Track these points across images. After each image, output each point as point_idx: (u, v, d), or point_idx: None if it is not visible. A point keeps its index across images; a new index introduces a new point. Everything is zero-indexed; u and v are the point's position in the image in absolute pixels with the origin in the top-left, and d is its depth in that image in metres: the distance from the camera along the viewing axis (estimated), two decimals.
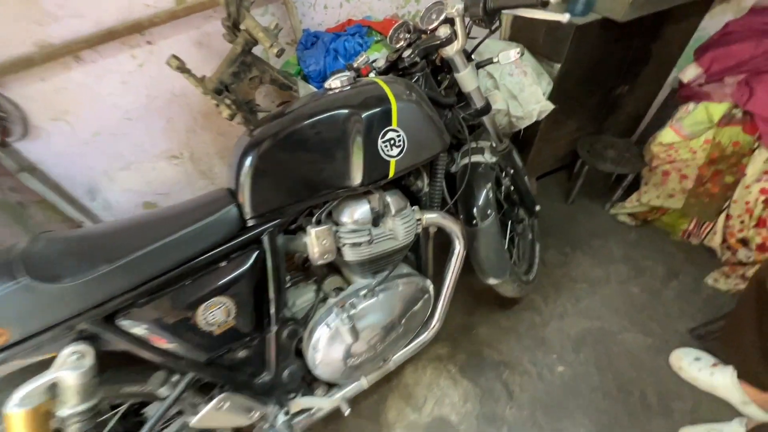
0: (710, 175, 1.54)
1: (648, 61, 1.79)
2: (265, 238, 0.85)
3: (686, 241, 1.76)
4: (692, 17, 1.72)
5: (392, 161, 0.87)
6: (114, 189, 1.31)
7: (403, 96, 0.88)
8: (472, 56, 1.10)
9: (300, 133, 0.81)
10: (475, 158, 1.25)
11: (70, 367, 0.65)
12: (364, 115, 0.82)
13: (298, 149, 0.81)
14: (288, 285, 0.98)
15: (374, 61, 1.11)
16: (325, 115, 0.82)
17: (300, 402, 0.96)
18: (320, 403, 0.97)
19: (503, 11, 0.86)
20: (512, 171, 1.28)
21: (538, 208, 1.47)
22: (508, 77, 1.37)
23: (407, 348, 1.15)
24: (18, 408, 0.62)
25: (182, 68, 1.02)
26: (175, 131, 1.30)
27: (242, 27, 1.01)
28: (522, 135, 1.78)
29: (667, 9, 1.45)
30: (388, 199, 0.95)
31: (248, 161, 0.79)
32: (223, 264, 0.80)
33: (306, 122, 0.81)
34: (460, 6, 0.89)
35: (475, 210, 1.21)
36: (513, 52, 1.02)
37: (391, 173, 0.88)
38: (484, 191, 1.22)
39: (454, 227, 1.08)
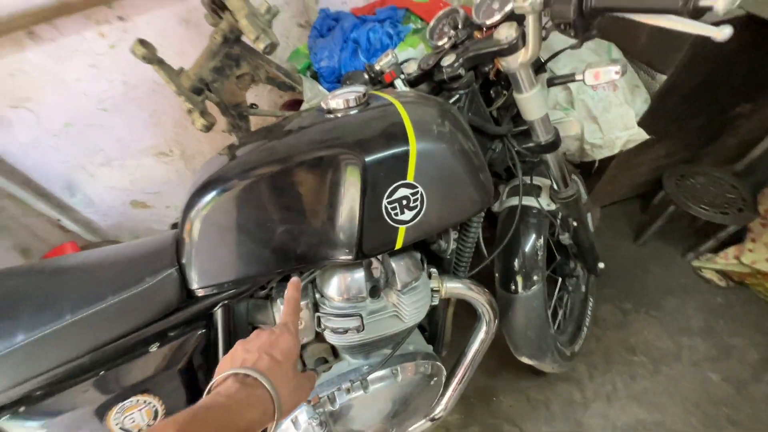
0: None
1: None
2: (218, 313, 0.62)
3: None
4: None
5: (402, 228, 0.59)
6: (95, 185, 1.14)
7: (432, 132, 0.59)
8: (546, 68, 0.77)
9: (270, 182, 0.56)
10: (528, 201, 0.94)
11: None
12: (366, 161, 0.55)
13: (266, 202, 0.57)
14: None
15: (405, 62, 0.81)
16: (307, 157, 0.55)
17: None
18: None
19: (612, 14, 0.52)
20: (575, 224, 0.95)
21: (601, 265, 1.13)
22: (590, 91, 1.01)
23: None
24: None
25: (150, 58, 0.78)
26: (161, 125, 1.08)
27: (228, 7, 0.74)
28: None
29: None
30: (394, 267, 0.68)
31: (196, 212, 0.56)
32: (153, 348, 0.58)
33: (278, 167, 0.55)
34: None
35: (516, 272, 0.92)
36: (612, 70, 0.67)
37: (399, 244, 0.61)
38: (534, 248, 0.91)
39: (482, 300, 0.80)
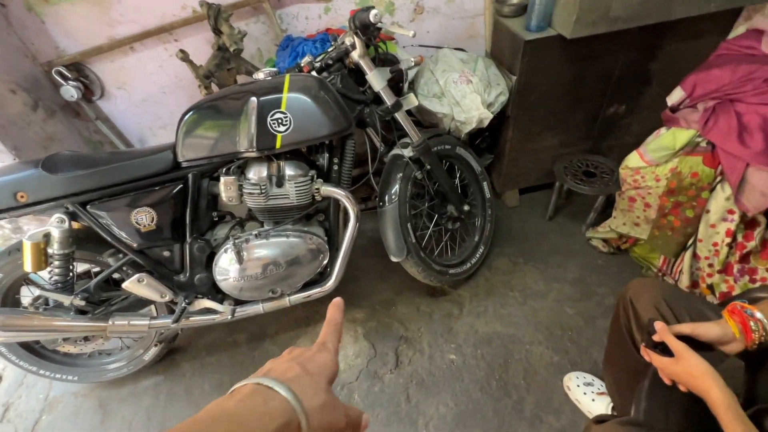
0: (671, 206, 1.42)
1: (649, 81, 1.69)
2: (189, 177, 1.23)
3: (660, 279, 1.62)
4: (706, 35, 1.57)
5: (279, 135, 1.16)
6: (156, 141, 1.86)
7: (300, 88, 1.16)
8: (401, 63, 1.30)
9: (215, 106, 1.17)
10: (396, 150, 1.45)
11: (56, 226, 1.12)
12: (260, 99, 1.14)
13: (212, 117, 1.17)
14: (215, 218, 1.36)
15: (319, 61, 1.41)
16: (233, 94, 1.16)
17: (202, 302, 1.32)
18: (214, 306, 1.32)
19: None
20: (428, 167, 1.44)
21: (466, 208, 1.57)
22: (453, 84, 1.52)
23: (302, 293, 1.41)
24: (27, 241, 1.11)
25: (185, 59, 1.47)
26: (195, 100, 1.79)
27: (221, 30, 1.41)
28: (488, 142, 1.85)
29: (668, 25, 1.41)
30: (285, 166, 1.24)
31: (181, 121, 1.18)
32: (157, 188, 1.20)
33: (220, 98, 1.17)
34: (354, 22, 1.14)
35: (384, 193, 1.42)
36: (412, 59, 1.22)
37: (278, 144, 1.17)
38: (395, 180, 1.42)
39: (347, 202, 1.31)
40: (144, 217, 1.19)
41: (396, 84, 1.37)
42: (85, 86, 1.61)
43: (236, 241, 1.25)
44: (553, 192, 1.88)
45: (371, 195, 2.03)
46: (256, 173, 1.23)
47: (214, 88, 1.55)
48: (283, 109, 1.14)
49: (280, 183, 1.25)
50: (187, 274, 1.31)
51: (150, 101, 1.74)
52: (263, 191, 1.21)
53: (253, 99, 1.13)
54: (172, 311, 1.36)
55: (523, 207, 2.08)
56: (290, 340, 1.63)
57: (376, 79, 1.26)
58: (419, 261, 1.47)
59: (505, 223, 1.98)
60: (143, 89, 1.70)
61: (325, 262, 1.38)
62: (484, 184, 1.75)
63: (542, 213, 2.02)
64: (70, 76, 1.54)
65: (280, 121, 1.14)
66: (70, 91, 1.53)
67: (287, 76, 1.20)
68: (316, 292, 1.43)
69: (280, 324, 1.67)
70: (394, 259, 1.45)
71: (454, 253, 1.72)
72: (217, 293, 1.37)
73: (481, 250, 1.73)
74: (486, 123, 1.55)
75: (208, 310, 1.36)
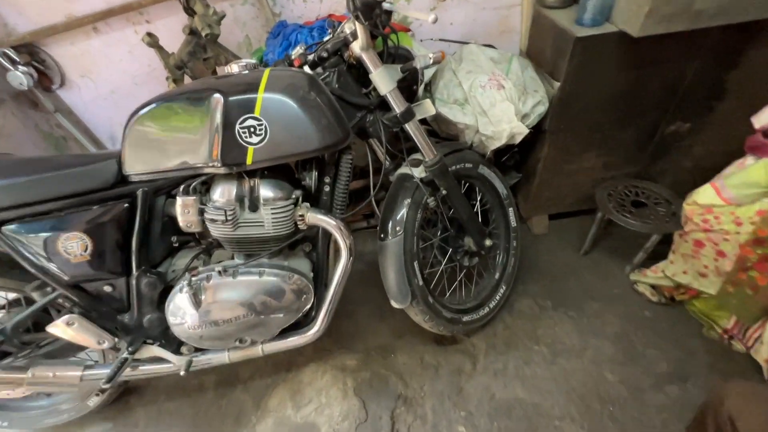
0: (756, 259, 1.10)
1: (723, 95, 1.36)
2: (138, 195, 0.96)
3: (725, 343, 1.30)
4: None
5: (250, 148, 0.88)
6: None
7: (280, 88, 0.88)
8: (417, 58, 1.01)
9: (171, 106, 0.90)
10: (404, 170, 1.16)
11: None
12: (228, 99, 0.86)
13: (167, 119, 0.90)
14: (175, 243, 1.09)
15: (313, 53, 1.12)
16: (195, 91, 0.89)
17: (152, 349, 1.05)
18: (165, 356, 1.05)
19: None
20: (445, 192, 1.14)
21: (488, 243, 1.27)
22: (479, 90, 1.21)
23: (278, 341, 1.14)
24: None
25: (153, 44, 1.20)
26: None
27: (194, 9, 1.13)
28: (517, 159, 1.55)
29: (758, 26, 1.10)
30: (260, 185, 0.96)
31: (129, 123, 0.91)
32: (95, 207, 0.93)
33: (179, 95, 0.89)
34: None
35: (387, 223, 1.13)
36: (430, 55, 0.92)
37: (249, 160, 0.89)
38: (401, 206, 1.13)
39: (338, 235, 1.03)
40: (75, 245, 0.92)
41: (408, 86, 1.07)
42: (41, 73, 1.36)
43: (193, 279, 0.97)
44: (592, 222, 1.57)
45: (374, 212, 1.74)
46: (223, 194, 0.95)
47: (188, 81, 1.28)
48: (256, 113, 0.86)
49: (254, 207, 0.98)
50: (135, 315, 1.04)
51: (120, 93, 1.48)
52: (230, 218, 0.94)
53: (218, 97, 0.85)
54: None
55: (552, 235, 1.77)
56: (266, 388, 1.35)
57: (383, 79, 0.97)
58: (426, 309, 1.18)
59: (531, 254, 1.67)
60: (111, 78, 1.45)
61: (308, 305, 1.10)
62: (510, 210, 1.44)
63: (575, 244, 1.71)
64: (19, 60, 1.29)
65: (252, 129, 0.87)
66: (19, 78, 1.28)
67: (266, 71, 0.92)
68: (296, 340, 1.15)
69: (256, 367, 1.40)
70: (395, 305, 1.16)
71: (469, 293, 1.42)
72: (174, 338, 1.10)
73: (502, 291, 1.43)
74: (519, 139, 1.25)
75: (161, 358, 1.09)
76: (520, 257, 1.51)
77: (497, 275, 1.44)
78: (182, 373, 1.05)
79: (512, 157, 1.55)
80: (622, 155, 1.53)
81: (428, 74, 1.28)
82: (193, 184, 0.96)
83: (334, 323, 1.15)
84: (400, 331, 1.46)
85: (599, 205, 1.46)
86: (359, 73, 1.06)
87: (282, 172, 1.02)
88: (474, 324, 1.34)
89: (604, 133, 1.42)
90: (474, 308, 1.36)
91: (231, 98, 0.86)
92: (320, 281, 1.15)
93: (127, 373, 1.09)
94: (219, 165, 0.89)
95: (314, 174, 1.02)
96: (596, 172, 1.56)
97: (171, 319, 1.01)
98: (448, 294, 1.35)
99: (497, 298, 1.42)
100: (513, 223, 1.46)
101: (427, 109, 1.06)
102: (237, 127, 0.86)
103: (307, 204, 1.02)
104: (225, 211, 0.93)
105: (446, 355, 1.38)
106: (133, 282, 1.00)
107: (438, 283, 1.32)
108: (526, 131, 1.21)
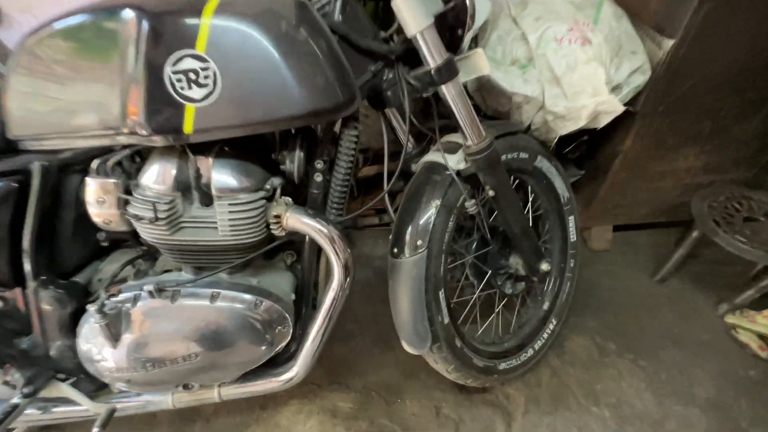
0: None
1: None
2: (35, 170, 0.64)
3: None
4: None
5: (190, 107, 0.54)
6: None
7: (243, 12, 0.53)
8: None
9: (70, 32, 0.56)
10: (434, 156, 0.80)
11: None
12: (152, 22, 0.52)
13: (64, 54, 0.57)
14: (104, 244, 0.77)
15: None
16: (104, 9, 0.55)
17: (60, 388, 0.75)
18: (77, 398, 0.75)
19: None
20: (492, 193, 0.77)
21: (545, 267, 0.90)
22: (554, 44, 0.82)
23: (242, 386, 0.82)
24: None
25: None
26: None
27: None
28: (583, 150, 1.15)
29: None
30: (213, 169, 0.63)
31: (11, 59, 0.59)
32: None
33: (82, 15, 0.56)
34: None
35: (404, 234, 0.78)
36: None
37: (188, 126, 0.55)
38: (426, 209, 0.77)
39: (329, 248, 0.69)
40: None
41: (451, 29, 0.70)
42: None
43: (107, 301, 0.66)
44: (669, 237, 1.19)
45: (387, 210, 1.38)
46: (156, 177, 0.63)
47: None
48: (198, 50, 0.52)
49: (206, 200, 0.65)
50: (38, 340, 0.74)
51: None
52: (164, 215, 0.62)
53: (133, 18, 0.51)
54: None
55: (616, 253, 1.38)
56: (234, 427, 1.05)
57: (413, 10, 0.60)
58: (452, 357, 0.84)
59: (588, 277, 1.29)
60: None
61: (285, 341, 0.78)
62: (570, 219, 1.07)
63: (647, 267, 1.32)
64: None
65: (191, 76, 0.53)
66: None
67: None
68: (264, 384, 0.83)
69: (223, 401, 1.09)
70: (409, 349, 0.82)
71: (507, 329, 1.06)
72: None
73: (551, 327, 1.07)
74: (605, 122, 0.86)
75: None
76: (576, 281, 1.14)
77: (546, 305, 1.08)
78: (99, 427, 0.74)
79: (578, 148, 1.16)
80: (733, 155, 1.12)
81: (480, 18, 0.88)
82: (113, 159, 0.64)
83: (327, 348, 0.82)
84: (411, 368, 1.11)
85: (697, 220, 1.07)
86: (376, 3, 0.69)
87: (251, 150, 0.68)
88: (514, 373, 0.99)
89: (718, 122, 1.01)
90: (514, 350, 1.01)
91: (156, 21, 0.52)
92: (306, 303, 0.83)
93: (35, 417, 0.79)
94: (141, 130, 0.55)
95: (299, 155, 0.68)
96: (692, 176, 1.16)
97: (84, 355, 0.71)
98: (480, 331, 0.99)
99: (545, 336, 1.06)
100: (573, 236, 1.08)
101: (478, 64, 0.68)
102: (167, 69, 0.53)
103: (288, 199, 0.69)
104: (154, 205, 0.60)
105: (471, 408, 1.04)
106: (30, 295, 0.69)
107: (468, 314, 0.96)
108: (621, 109, 0.82)
